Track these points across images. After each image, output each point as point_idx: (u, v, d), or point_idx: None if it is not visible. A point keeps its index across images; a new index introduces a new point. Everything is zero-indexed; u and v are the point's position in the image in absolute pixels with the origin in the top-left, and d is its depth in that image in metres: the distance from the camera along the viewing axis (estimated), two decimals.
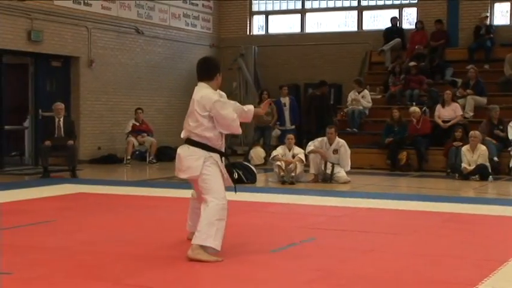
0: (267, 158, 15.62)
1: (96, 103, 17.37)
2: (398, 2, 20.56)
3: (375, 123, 17.29)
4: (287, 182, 12.79)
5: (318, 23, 21.47)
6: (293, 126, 17.26)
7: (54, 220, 8.33)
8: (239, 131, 6.30)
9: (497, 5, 19.39)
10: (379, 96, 18.35)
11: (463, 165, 13.59)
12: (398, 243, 7.09)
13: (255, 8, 21.93)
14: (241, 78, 20.27)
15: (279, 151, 13.22)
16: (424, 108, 16.39)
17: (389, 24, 19.94)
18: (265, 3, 21.84)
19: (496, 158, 14.16)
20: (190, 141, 6.24)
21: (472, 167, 13.51)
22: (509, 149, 14.43)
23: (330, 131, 13.16)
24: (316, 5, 21.33)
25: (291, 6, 21.63)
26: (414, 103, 16.93)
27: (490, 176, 13.45)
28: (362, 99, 17.40)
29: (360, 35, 20.46)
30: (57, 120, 13.98)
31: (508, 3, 19.22)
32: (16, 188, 11.84)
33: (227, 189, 6.27)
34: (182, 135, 6.35)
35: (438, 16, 19.31)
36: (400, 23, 20.17)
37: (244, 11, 21.75)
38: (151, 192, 11.29)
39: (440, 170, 14.86)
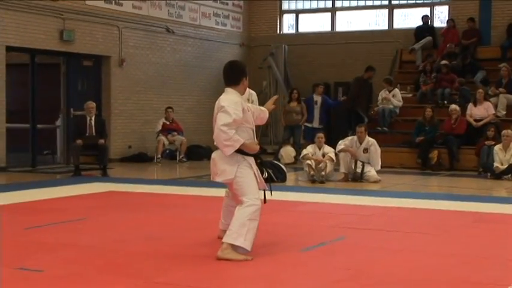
0: (297, 157, 15.60)
1: (127, 102, 17.49)
2: (429, 0, 20.42)
3: (405, 122, 17.19)
4: (317, 180, 12.76)
5: (348, 22, 21.40)
6: (321, 126, 17.24)
7: (85, 218, 8.39)
8: (220, 144, 6.10)
9: None
10: (410, 95, 18.23)
11: (495, 164, 13.46)
12: (428, 243, 7.04)
13: (285, 6, 21.92)
14: (271, 77, 20.27)
15: (309, 150, 13.20)
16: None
17: (420, 23, 19.80)
18: (296, 2, 21.83)
19: None
20: None
21: (505, 166, 13.38)
22: None
23: (360, 129, 13.11)
24: (346, 3, 21.27)
25: (321, 5, 21.58)
26: (446, 102, 16.80)
27: None
28: (393, 98, 17.30)
29: (391, 34, 20.35)
30: (88, 119, 14.09)
31: None
32: (48, 186, 11.94)
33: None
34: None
35: (470, 14, 19.13)
36: (432, 21, 20.04)
37: (274, 9, 21.74)
38: (181, 191, 11.33)
39: (472, 169, 14.74)
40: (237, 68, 6.47)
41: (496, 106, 16.10)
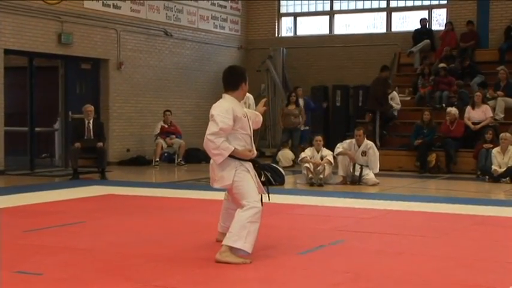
0: (295, 160, 15.61)
1: (125, 105, 17.49)
2: (427, 3, 20.46)
3: (403, 125, 17.19)
4: (315, 184, 12.76)
5: (347, 25, 21.43)
6: (306, 127, 17.22)
7: (83, 221, 8.38)
8: (209, 153, 6.16)
9: None
10: (408, 98, 18.24)
11: (494, 167, 13.47)
12: (427, 246, 7.04)
13: (283, 9, 21.93)
14: (269, 80, 20.27)
15: (307, 153, 13.20)
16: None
17: (418, 26, 19.82)
18: (294, 5, 21.84)
19: None
20: None
21: (503, 169, 13.38)
22: None
23: (358, 133, 13.11)
24: (344, 6, 21.29)
25: (319, 8, 21.60)
26: (444, 104, 16.82)
27: None
28: (391, 101, 17.30)
29: (389, 37, 20.38)
30: (86, 122, 14.08)
31: None
32: (46, 189, 11.93)
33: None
34: None
35: (468, 17, 19.16)
36: (430, 24, 20.06)
37: (272, 12, 21.76)
38: (179, 194, 11.33)
39: (470, 172, 14.74)
40: (236, 72, 6.46)
41: (494, 109, 16.10)
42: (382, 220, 8.83)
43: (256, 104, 10.29)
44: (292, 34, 21.91)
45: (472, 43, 18.75)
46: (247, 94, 9.79)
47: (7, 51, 14.86)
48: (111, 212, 9.36)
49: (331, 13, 21.39)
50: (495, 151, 13.62)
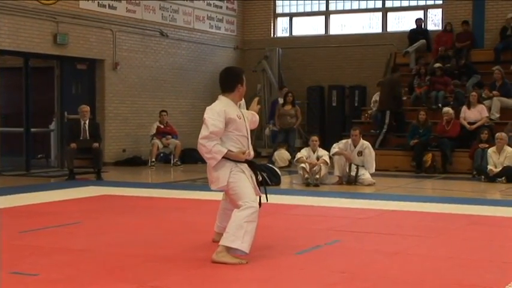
0: (292, 160, 15.61)
1: (121, 106, 17.47)
2: (423, 3, 20.46)
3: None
4: (311, 184, 12.76)
5: (342, 25, 21.44)
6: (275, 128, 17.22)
7: (79, 222, 8.37)
8: (203, 157, 6.21)
9: None
10: (404, 98, 18.22)
11: (489, 167, 13.48)
12: (423, 246, 7.05)
13: (279, 10, 21.93)
14: (265, 81, 20.27)
15: (303, 153, 13.20)
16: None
17: (414, 26, 19.84)
18: (289, 5, 21.84)
19: None
20: None
21: (498, 169, 13.40)
22: None
23: (354, 133, 13.11)
24: (340, 6, 21.29)
25: (315, 8, 21.60)
26: (440, 104, 16.83)
27: None
28: None
29: (384, 37, 20.39)
30: (82, 122, 14.07)
31: None
32: (42, 190, 11.91)
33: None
34: None
35: (463, 17, 19.18)
36: (425, 25, 20.06)
37: (268, 13, 21.76)
38: (175, 195, 11.31)
39: (466, 172, 14.76)
40: (232, 74, 6.45)
41: (489, 109, 16.12)
42: (378, 220, 8.83)
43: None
44: (288, 34, 21.91)
45: (468, 43, 18.77)
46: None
47: (2, 52, 14.86)
48: (107, 212, 9.36)
49: (326, 13, 21.39)
50: (491, 151, 13.63)
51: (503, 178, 13.31)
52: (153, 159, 16.89)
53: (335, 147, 13.15)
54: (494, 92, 16.51)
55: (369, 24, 21.19)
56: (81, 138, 13.92)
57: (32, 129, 15.91)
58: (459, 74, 18.07)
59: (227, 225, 6.12)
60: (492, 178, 13.39)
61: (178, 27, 19.25)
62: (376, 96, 17.57)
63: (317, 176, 12.82)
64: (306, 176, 12.87)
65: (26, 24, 15.04)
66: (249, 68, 19.79)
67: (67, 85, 16.45)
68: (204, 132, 6.09)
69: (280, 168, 14.72)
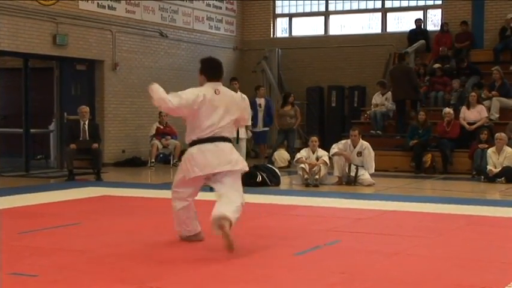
0: (291, 161, 15.60)
1: (121, 106, 17.47)
2: (422, 4, 20.46)
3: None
4: (311, 184, 12.76)
5: (342, 25, 21.43)
6: (266, 128, 17.13)
7: (78, 223, 8.37)
8: (161, 108, 7.12)
9: None
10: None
11: (489, 167, 13.49)
12: (423, 246, 7.04)
13: (278, 10, 21.93)
14: (265, 81, 20.26)
15: (302, 153, 13.20)
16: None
17: (413, 26, 19.84)
18: (289, 5, 21.84)
19: None
20: (225, 138, 6.74)
21: (498, 169, 13.40)
22: None
23: (353, 133, 13.11)
24: (339, 7, 21.28)
25: (315, 9, 21.59)
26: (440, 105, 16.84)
27: None
28: (386, 101, 17.32)
29: (384, 37, 20.39)
30: (82, 123, 14.07)
31: None
32: (41, 191, 11.90)
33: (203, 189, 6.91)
34: (212, 134, 6.73)
35: (463, 17, 19.18)
36: (425, 25, 20.06)
37: (267, 13, 21.75)
38: None
39: (465, 172, 14.76)
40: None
41: (489, 109, 16.12)
42: (378, 220, 8.83)
43: None
44: (287, 35, 21.90)
45: (467, 43, 18.77)
46: (243, 95, 9.79)
47: (2, 53, 14.84)
48: (106, 213, 9.36)
49: (326, 14, 21.38)
50: (490, 151, 13.63)
51: (502, 178, 13.31)
52: (153, 160, 16.88)
53: (334, 148, 13.15)
54: (494, 93, 16.51)
55: (369, 25, 21.19)
56: (80, 139, 13.92)
57: (32, 130, 15.91)
58: (459, 75, 18.05)
59: (226, 203, 6.37)
60: (492, 178, 13.39)
61: (178, 27, 19.25)
62: (376, 97, 17.56)
63: (317, 177, 12.82)
64: (306, 176, 12.87)
65: (26, 25, 15.03)
66: (249, 69, 19.80)
67: (66, 86, 16.44)
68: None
69: (280, 168, 14.70)
